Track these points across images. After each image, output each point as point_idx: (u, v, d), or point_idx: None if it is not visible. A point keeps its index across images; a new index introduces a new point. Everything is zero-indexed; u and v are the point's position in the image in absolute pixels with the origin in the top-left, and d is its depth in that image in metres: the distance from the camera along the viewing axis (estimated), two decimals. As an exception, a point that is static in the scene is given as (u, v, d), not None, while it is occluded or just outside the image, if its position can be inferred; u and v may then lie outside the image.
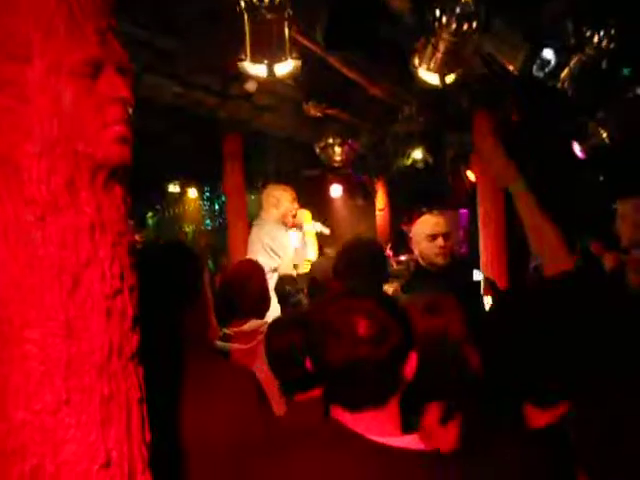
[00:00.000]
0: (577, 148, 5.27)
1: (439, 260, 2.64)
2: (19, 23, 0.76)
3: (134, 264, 0.91)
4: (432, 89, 3.91)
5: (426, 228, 2.68)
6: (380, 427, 1.03)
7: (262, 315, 2.44)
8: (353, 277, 2.29)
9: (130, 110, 0.87)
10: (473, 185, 5.67)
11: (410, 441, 1.03)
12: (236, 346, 2.28)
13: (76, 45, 0.79)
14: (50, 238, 0.81)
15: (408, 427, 1.08)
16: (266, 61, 2.24)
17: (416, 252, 2.75)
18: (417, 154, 6.53)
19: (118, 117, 0.84)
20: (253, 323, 2.35)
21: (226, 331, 2.32)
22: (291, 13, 2.11)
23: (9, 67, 0.77)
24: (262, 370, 1.74)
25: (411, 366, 1.06)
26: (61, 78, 0.79)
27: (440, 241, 2.63)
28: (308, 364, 1.10)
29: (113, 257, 0.86)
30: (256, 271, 2.55)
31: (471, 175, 6.10)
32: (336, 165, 6.13)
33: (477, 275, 3.05)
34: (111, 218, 0.85)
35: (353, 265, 2.33)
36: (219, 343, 2.21)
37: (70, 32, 0.78)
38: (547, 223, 1.62)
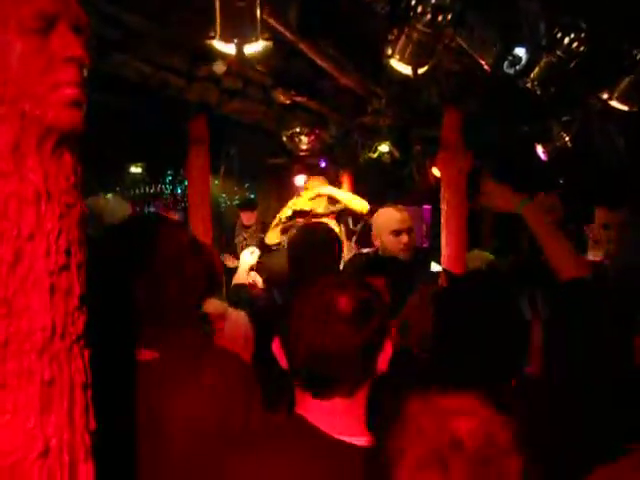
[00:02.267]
0: (540, 150, 5.36)
1: (401, 255, 2.67)
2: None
3: (83, 239, 0.85)
4: (402, 83, 3.91)
5: (391, 223, 2.71)
6: (346, 423, 0.99)
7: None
8: (311, 263, 2.27)
9: (85, 72, 0.81)
10: (437, 181, 5.71)
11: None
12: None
13: (26, -4, 0.72)
14: (-10, 206, 0.74)
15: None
16: (236, 40, 2.18)
17: (377, 244, 2.76)
18: (384, 148, 6.54)
19: (71, 78, 0.77)
20: (218, 305, 2.28)
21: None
22: (264, -9, 2.05)
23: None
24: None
25: (386, 356, 1.03)
26: (8, 32, 0.72)
27: (404, 237, 2.68)
28: (281, 359, 1.06)
29: (60, 230, 0.79)
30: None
31: (436, 171, 6.14)
32: (302, 154, 6.09)
33: (435, 267, 3.10)
34: (59, 188, 0.79)
35: (311, 250, 2.31)
36: None
37: (19, -19, 0.71)
38: (558, 234, 1.74)
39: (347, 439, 0.98)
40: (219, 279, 2.44)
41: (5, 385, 0.76)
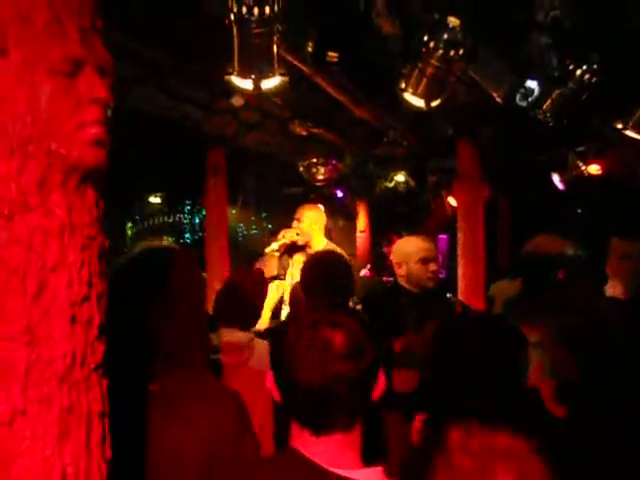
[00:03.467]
0: (557, 179, 5.35)
1: (429, 284, 2.68)
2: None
3: (104, 271, 0.88)
4: (416, 115, 3.95)
5: (419, 252, 2.71)
6: (343, 457, 0.99)
7: (247, 325, 2.39)
8: (323, 291, 2.30)
9: (109, 113, 0.85)
10: (454, 210, 5.72)
11: (371, 474, 0.99)
12: (226, 359, 2.24)
13: (56, 41, 0.76)
14: (17, 239, 0.77)
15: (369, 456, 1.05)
16: (253, 75, 2.24)
17: (400, 273, 2.74)
18: (400, 177, 6.58)
19: (95, 118, 0.81)
20: (242, 335, 2.30)
21: (216, 342, 2.28)
22: (280, 29, 2.12)
23: (-18, 59, 0.74)
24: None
25: (380, 387, 1.04)
26: (38, 74, 0.77)
27: (432, 265, 2.68)
28: (275, 394, 1.06)
29: (82, 262, 0.82)
30: (248, 279, 2.50)
31: (452, 201, 6.15)
32: (318, 184, 6.14)
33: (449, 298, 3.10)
34: (82, 221, 0.82)
35: (324, 278, 2.34)
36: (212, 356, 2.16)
37: (50, 27, 0.76)
38: None
39: (343, 472, 0.97)
40: (253, 310, 2.47)
41: (25, 412, 0.78)
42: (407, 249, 2.80)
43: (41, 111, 0.78)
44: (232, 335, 2.31)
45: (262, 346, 2.26)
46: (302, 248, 3.75)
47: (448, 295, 3.14)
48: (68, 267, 0.81)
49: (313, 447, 0.99)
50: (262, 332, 2.67)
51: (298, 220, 3.76)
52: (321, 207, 4.17)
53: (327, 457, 0.98)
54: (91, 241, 0.84)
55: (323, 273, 2.40)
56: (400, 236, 5.21)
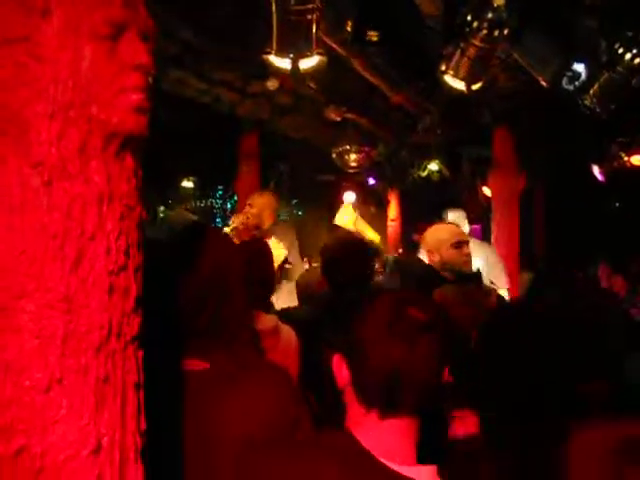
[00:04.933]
0: (596, 170, 5.20)
1: (465, 267, 2.66)
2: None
3: (141, 242, 0.86)
4: (454, 101, 3.87)
5: (451, 236, 2.72)
6: (400, 447, 0.97)
7: (264, 301, 2.30)
8: (347, 275, 2.28)
9: (150, 79, 0.83)
10: (488, 201, 5.62)
11: (423, 472, 0.97)
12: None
13: (99, 3, 0.75)
14: (56, 205, 0.76)
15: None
16: (291, 55, 2.22)
17: (434, 260, 2.73)
18: (433, 166, 6.49)
19: (137, 84, 0.80)
20: (269, 319, 2.20)
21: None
22: (320, 6, 2.08)
23: (25, 20, 0.72)
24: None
25: (446, 371, 1.02)
26: (80, 37, 0.75)
27: (466, 248, 2.68)
28: (339, 377, 1.04)
29: (120, 231, 0.81)
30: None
31: (487, 191, 6.04)
32: (351, 171, 6.11)
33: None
34: (120, 190, 0.81)
35: (347, 262, 2.32)
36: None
37: (92, -12, 0.74)
38: None
39: (394, 466, 0.95)
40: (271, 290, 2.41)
41: (62, 380, 0.78)
42: (439, 235, 2.79)
43: (83, 75, 0.76)
44: (258, 321, 2.21)
45: (287, 330, 2.16)
46: (253, 231, 3.90)
47: (487, 282, 3.08)
48: (106, 236, 0.80)
49: (372, 432, 0.98)
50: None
51: (250, 206, 3.92)
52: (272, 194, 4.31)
53: (384, 445, 0.96)
54: (130, 211, 0.83)
55: (343, 252, 2.38)
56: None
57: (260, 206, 3.89)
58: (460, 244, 2.68)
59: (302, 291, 2.91)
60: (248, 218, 3.87)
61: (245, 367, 1.27)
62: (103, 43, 0.77)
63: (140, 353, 0.87)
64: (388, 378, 0.97)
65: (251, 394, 1.22)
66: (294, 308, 2.74)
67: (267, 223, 3.91)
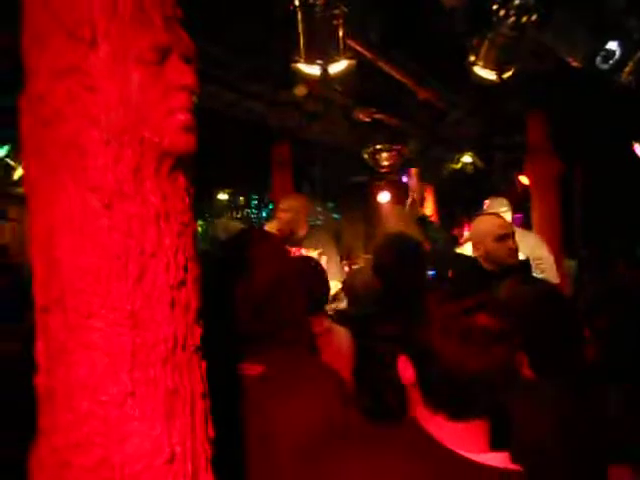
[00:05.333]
0: (638, 149, 5.05)
1: (510, 260, 2.60)
2: (82, 5, 0.76)
3: (196, 256, 0.89)
4: (482, 91, 3.83)
5: (495, 229, 2.64)
6: (468, 440, 0.96)
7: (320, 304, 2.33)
8: (401, 273, 2.25)
9: (195, 99, 0.86)
10: (525, 189, 5.52)
11: (496, 458, 0.96)
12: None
13: (142, 30, 0.78)
14: (117, 226, 0.80)
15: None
16: (320, 61, 2.24)
17: (479, 253, 2.68)
18: (466, 158, 6.42)
19: (183, 105, 0.83)
20: (325, 321, 2.24)
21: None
22: (345, 10, 2.09)
23: (74, 51, 0.76)
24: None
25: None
26: (127, 64, 0.78)
27: (510, 242, 2.60)
28: (407, 377, 1.04)
29: (177, 247, 0.84)
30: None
31: (523, 179, 5.93)
32: (383, 171, 6.09)
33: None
34: (175, 208, 0.84)
35: (400, 260, 2.29)
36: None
37: (136, 17, 0.77)
38: None
39: (466, 454, 0.95)
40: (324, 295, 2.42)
41: (134, 394, 0.81)
42: (482, 228, 2.74)
43: (132, 100, 0.80)
44: (315, 323, 2.24)
45: (341, 331, 2.18)
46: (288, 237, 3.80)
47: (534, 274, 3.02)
48: (165, 253, 0.83)
49: (441, 429, 0.97)
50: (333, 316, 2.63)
51: (283, 211, 3.81)
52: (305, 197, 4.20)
53: (453, 438, 0.96)
54: (185, 227, 0.86)
55: (395, 252, 2.36)
56: (470, 219, 5.09)
57: (294, 210, 3.80)
58: (503, 237, 2.60)
59: (349, 293, 2.93)
60: (283, 224, 3.75)
61: (301, 373, 1.28)
62: (149, 68, 0.80)
63: (203, 363, 0.90)
64: (461, 387, 0.96)
65: (304, 396, 1.24)
66: (344, 309, 2.78)
67: (301, 228, 3.82)
